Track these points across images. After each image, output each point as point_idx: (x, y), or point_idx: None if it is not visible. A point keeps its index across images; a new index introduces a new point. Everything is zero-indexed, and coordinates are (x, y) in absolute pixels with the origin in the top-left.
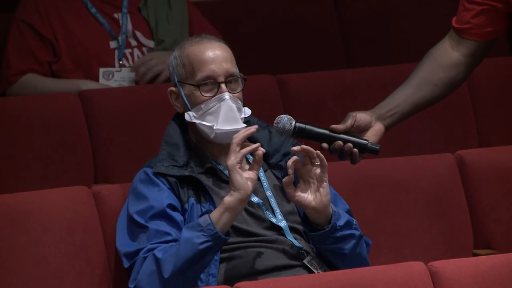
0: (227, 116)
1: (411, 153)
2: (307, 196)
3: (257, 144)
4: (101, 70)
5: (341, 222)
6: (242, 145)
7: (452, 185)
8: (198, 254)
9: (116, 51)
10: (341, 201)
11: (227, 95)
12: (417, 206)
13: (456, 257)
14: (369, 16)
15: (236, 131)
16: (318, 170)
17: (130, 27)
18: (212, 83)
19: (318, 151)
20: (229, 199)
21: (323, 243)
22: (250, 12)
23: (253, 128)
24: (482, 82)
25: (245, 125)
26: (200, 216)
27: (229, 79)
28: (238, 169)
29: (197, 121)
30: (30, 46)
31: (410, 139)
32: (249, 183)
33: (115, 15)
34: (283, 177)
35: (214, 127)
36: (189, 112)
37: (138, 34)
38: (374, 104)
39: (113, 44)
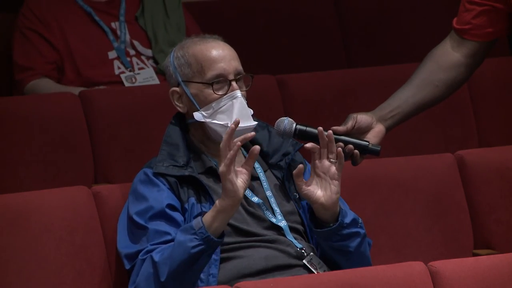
0: (241, 113)
1: (411, 153)
2: (317, 191)
3: (238, 144)
4: (122, 76)
5: (347, 220)
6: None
7: (452, 185)
8: (191, 257)
9: (115, 62)
10: (341, 201)
11: (239, 93)
12: (417, 206)
13: (456, 257)
14: (369, 16)
15: (250, 128)
16: (333, 168)
17: (128, 36)
18: (223, 81)
19: (340, 149)
20: (221, 203)
21: (329, 240)
22: (250, 12)
23: (231, 127)
24: (482, 82)
25: (256, 122)
26: (194, 218)
27: (239, 77)
28: (229, 177)
29: (208, 120)
30: (38, 47)
31: (410, 139)
32: (240, 187)
33: (112, 24)
34: (283, 177)
35: (228, 125)
36: (199, 111)
37: (136, 43)
38: (374, 104)
39: (111, 55)
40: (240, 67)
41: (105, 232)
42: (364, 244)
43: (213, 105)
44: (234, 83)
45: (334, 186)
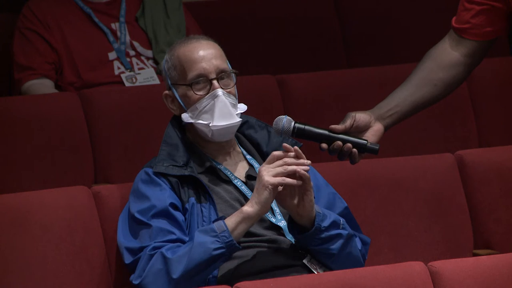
0: (222, 112)
1: (411, 153)
2: (291, 199)
3: (299, 182)
4: (123, 75)
5: (326, 223)
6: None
7: (452, 185)
8: (210, 259)
9: (115, 62)
10: (339, 200)
11: (220, 91)
12: (417, 206)
13: (456, 257)
14: (369, 16)
15: (232, 126)
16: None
17: (128, 37)
18: (204, 81)
19: (297, 168)
20: (249, 210)
21: (310, 244)
22: (250, 12)
23: (307, 166)
24: (482, 82)
25: (241, 119)
26: (214, 221)
27: (221, 75)
28: (271, 188)
29: (193, 121)
30: (37, 47)
31: (410, 139)
32: (271, 201)
33: (112, 25)
34: None
35: (210, 125)
36: (185, 113)
37: (135, 44)
38: (374, 104)
39: (111, 56)
40: (223, 65)
41: (105, 232)
42: (349, 245)
43: (196, 105)
44: (215, 82)
45: (307, 196)
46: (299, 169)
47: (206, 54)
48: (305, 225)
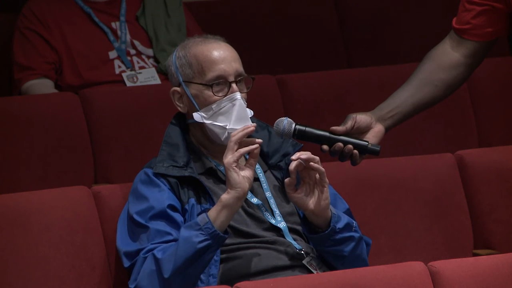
0: (239, 116)
1: (411, 153)
2: (306, 198)
3: (256, 146)
4: (124, 75)
5: (340, 225)
6: (241, 143)
7: (452, 185)
8: (197, 253)
9: (115, 61)
10: (341, 200)
11: (238, 95)
12: (417, 206)
13: (456, 257)
14: (369, 16)
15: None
16: (318, 175)
17: (128, 36)
18: (223, 83)
19: (312, 163)
20: (226, 196)
21: (323, 245)
22: (250, 12)
23: (252, 126)
24: (482, 82)
25: (255, 124)
26: (198, 215)
27: (239, 79)
28: (234, 167)
29: (207, 122)
30: (37, 48)
31: (410, 139)
32: (246, 181)
33: (113, 25)
34: (282, 178)
35: (227, 127)
36: (198, 112)
37: (136, 43)
38: (374, 104)
39: (112, 55)
40: (241, 69)
41: (105, 232)
42: (359, 247)
43: (213, 106)
44: (234, 85)
45: (323, 193)
46: (308, 160)
47: (226, 56)
48: (319, 225)
